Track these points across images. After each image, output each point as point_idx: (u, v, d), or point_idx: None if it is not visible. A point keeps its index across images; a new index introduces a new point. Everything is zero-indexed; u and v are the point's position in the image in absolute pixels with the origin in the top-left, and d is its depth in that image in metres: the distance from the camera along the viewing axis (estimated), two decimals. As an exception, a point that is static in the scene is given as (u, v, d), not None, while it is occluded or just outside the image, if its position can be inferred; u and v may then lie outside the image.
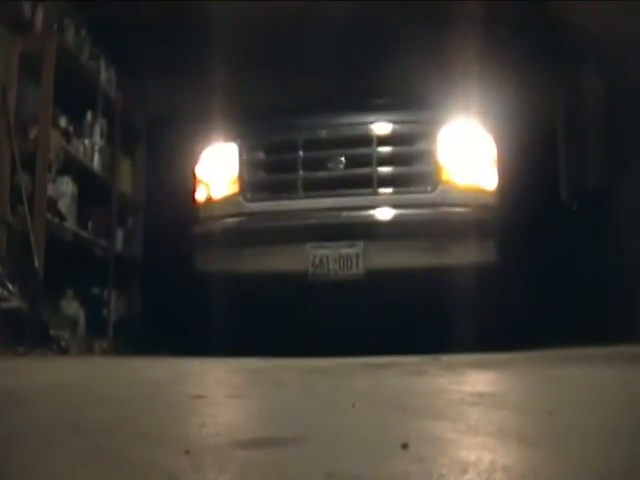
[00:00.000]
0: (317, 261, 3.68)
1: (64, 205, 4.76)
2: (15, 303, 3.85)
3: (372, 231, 3.70)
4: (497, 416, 1.33)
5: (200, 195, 4.13)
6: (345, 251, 3.67)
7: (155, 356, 3.32)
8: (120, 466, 0.97)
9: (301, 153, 3.91)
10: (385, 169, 3.83)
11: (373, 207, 3.75)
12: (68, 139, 4.90)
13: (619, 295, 5.05)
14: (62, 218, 4.70)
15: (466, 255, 3.67)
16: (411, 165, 3.87)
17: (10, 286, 3.89)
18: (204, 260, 4.00)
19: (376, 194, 3.79)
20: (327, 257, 3.68)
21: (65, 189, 4.81)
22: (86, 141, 5.25)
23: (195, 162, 4.19)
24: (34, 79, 4.50)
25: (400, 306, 3.90)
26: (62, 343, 4.06)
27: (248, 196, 3.95)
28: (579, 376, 1.94)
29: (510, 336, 3.84)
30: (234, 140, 4.08)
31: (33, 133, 4.46)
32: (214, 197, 4.06)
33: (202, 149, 4.17)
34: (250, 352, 3.47)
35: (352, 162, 3.86)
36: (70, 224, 4.85)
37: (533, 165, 5.31)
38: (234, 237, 3.87)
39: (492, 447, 1.07)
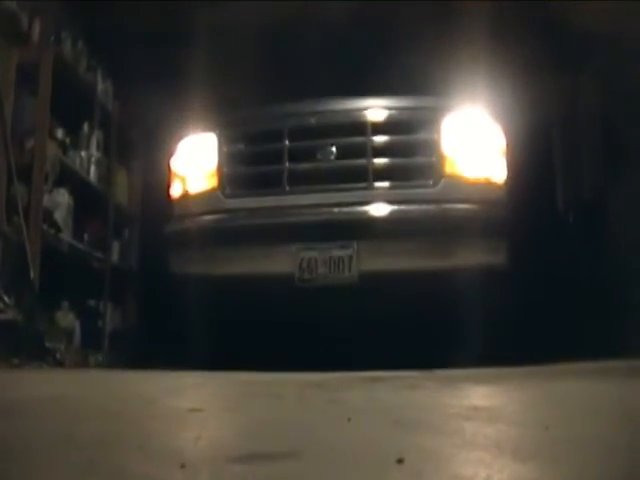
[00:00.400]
0: (305, 264, 3.32)
1: (60, 216, 4.75)
2: (10, 315, 3.84)
3: (367, 230, 3.31)
4: (493, 430, 1.33)
5: (175, 190, 3.77)
6: (336, 253, 3.31)
7: (150, 369, 3.31)
8: (115, 480, 0.97)
9: (287, 143, 3.52)
10: (381, 161, 3.44)
11: (368, 203, 3.36)
12: (65, 150, 4.90)
13: (617, 305, 5.05)
14: (58, 229, 4.69)
15: (472, 257, 3.31)
16: (411, 156, 3.48)
17: (5, 297, 3.88)
18: (178, 261, 3.64)
19: (371, 189, 3.41)
20: (316, 260, 3.31)
21: (61, 200, 4.81)
22: (83, 153, 5.25)
23: (170, 155, 3.84)
24: (31, 90, 4.50)
25: (398, 314, 3.53)
26: (57, 355, 4.05)
27: (227, 191, 3.57)
28: (575, 390, 1.94)
29: (520, 348, 3.54)
30: (213, 130, 3.70)
31: (30, 144, 4.46)
32: (190, 192, 3.69)
33: (178, 140, 3.81)
34: (230, 366, 3.18)
35: (344, 153, 3.47)
36: (66, 235, 4.84)
37: (544, 160, 4.98)
38: (211, 236, 3.48)
39: (488, 462, 1.06)
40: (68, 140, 4.98)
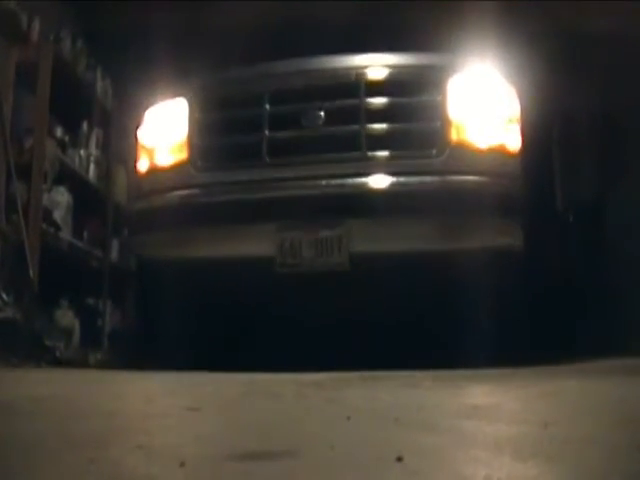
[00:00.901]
0: (287, 246, 2.87)
1: (59, 215, 4.75)
2: (9, 313, 3.84)
3: (360, 206, 2.85)
4: (492, 429, 1.33)
5: (142, 165, 3.31)
6: (324, 233, 2.85)
7: (149, 368, 3.31)
8: (114, 479, 0.97)
9: (267, 107, 3.06)
10: (377, 127, 2.99)
11: (361, 175, 2.89)
12: (64, 149, 4.90)
13: (617, 306, 5.04)
14: (57, 228, 4.69)
15: (483, 238, 2.87)
16: (411, 122, 3.00)
17: (4, 296, 3.88)
18: (144, 244, 3.22)
19: (365, 159, 2.94)
20: (300, 241, 2.86)
21: (60, 199, 4.81)
22: (82, 151, 5.25)
23: (137, 125, 3.38)
24: (30, 89, 4.50)
25: (396, 305, 3.14)
26: (57, 354, 4.05)
27: (199, 164, 3.11)
28: (575, 389, 1.94)
29: (537, 345, 3.27)
30: (184, 95, 3.22)
31: (29, 143, 4.46)
32: (158, 166, 3.22)
33: (145, 109, 3.36)
34: (207, 364, 2.87)
35: (334, 118, 3.01)
36: (65, 234, 4.84)
37: (564, 128, 4.52)
38: (179, 215, 3.02)
39: (487, 460, 1.06)
40: (67, 139, 4.98)
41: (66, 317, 4.92)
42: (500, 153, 2.99)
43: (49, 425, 1.42)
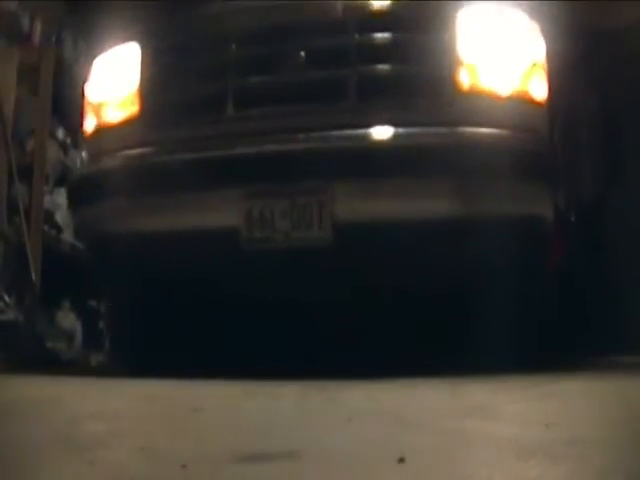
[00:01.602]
0: (255, 217, 2.31)
1: (61, 217, 4.75)
2: (11, 315, 3.84)
3: (347, 165, 2.29)
4: (493, 429, 1.33)
5: (88, 124, 2.79)
6: (302, 199, 2.29)
7: (150, 368, 3.31)
8: (115, 481, 0.97)
9: (234, 48, 2.51)
10: (371, 70, 2.45)
11: (349, 128, 2.34)
12: (65, 151, 4.90)
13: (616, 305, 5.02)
14: (59, 230, 4.70)
15: (500, 204, 2.34)
16: (413, 64, 2.44)
17: (6, 298, 3.89)
18: (86, 215, 2.70)
19: (355, 110, 2.40)
20: (272, 209, 2.30)
21: (62, 201, 4.80)
22: (84, 153, 5.25)
23: (84, 80, 2.88)
24: (32, 91, 4.51)
25: (391, 290, 2.60)
26: (58, 356, 4.05)
27: (152, 119, 2.58)
28: (576, 389, 1.94)
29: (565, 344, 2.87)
30: (136, 39, 2.69)
31: (30, 145, 4.46)
32: (105, 124, 2.70)
33: (92, 59, 2.86)
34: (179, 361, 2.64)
35: (317, 59, 2.45)
36: (67, 236, 4.84)
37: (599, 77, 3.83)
38: (127, 180, 2.52)
39: (488, 461, 1.06)
40: (69, 141, 4.98)
41: (68, 319, 4.92)
42: (522, 102, 2.43)
43: (50, 427, 1.42)
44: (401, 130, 2.34)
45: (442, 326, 2.69)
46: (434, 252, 2.43)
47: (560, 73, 2.66)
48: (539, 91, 2.49)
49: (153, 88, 2.63)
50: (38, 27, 4.59)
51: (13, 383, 2.53)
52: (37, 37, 4.57)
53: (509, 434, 1.28)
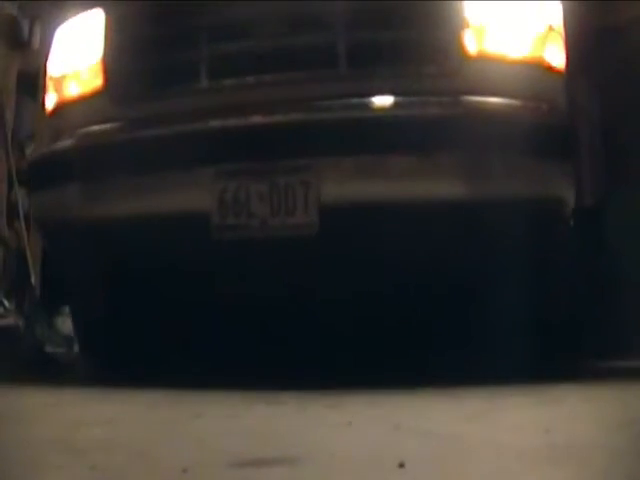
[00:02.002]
0: (229, 199, 2.02)
1: (61, 221, 4.75)
2: (11, 320, 3.84)
3: (335, 140, 2.00)
4: (493, 435, 1.33)
5: (49, 100, 2.51)
6: (283, 179, 1.99)
7: (150, 373, 3.30)
8: (115, 486, 0.97)
9: (207, 12, 2.25)
10: (362, 33, 2.18)
11: (338, 99, 2.08)
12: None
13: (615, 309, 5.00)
14: (59, 234, 4.69)
15: (514, 183, 2.04)
16: (413, 26, 2.16)
17: (6, 302, 3.89)
18: (44, 201, 2.40)
19: (344, 78, 2.14)
20: (247, 192, 2.01)
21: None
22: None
23: (46, 54, 2.60)
24: (32, 95, 4.51)
25: (387, 286, 2.26)
26: (58, 361, 4.05)
27: (117, 93, 2.30)
28: (575, 393, 1.94)
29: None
30: (100, 5, 2.39)
31: (30, 149, 4.46)
32: (66, 99, 2.43)
33: (55, 28, 2.56)
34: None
35: (302, 23, 2.21)
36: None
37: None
38: (89, 160, 2.23)
39: (488, 466, 1.06)
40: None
41: (67, 324, 4.91)
42: (536, 69, 2.15)
43: (50, 432, 1.43)
44: (399, 100, 2.07)
45: (445, 325, 2.40)
46: (437, 240, 2.10)
47: (579, 41, 2.34)
48: (555, 58, 2.19)
49: (118, 58, 2.34)
50: (38, 32, 4.59)
51: (13, 388, 2.53)
52: (37, 42, 4.58)
53: (509, 439, 1.28)
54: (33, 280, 4.13)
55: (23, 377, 3.24)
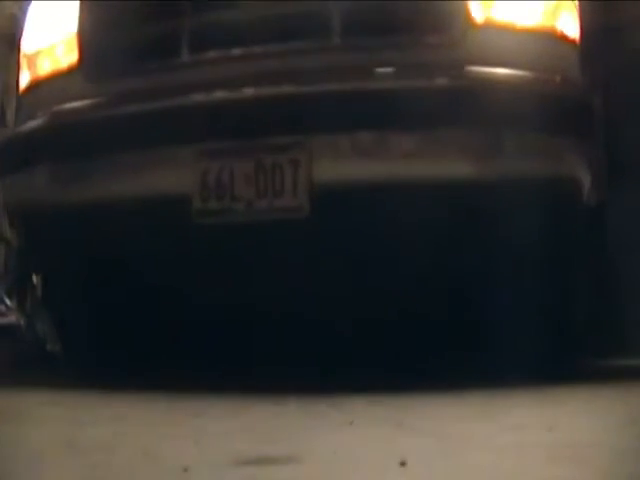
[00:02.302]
0: (211, 181, 1.86)
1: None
2: (12, 318, 3.84)
3: (328, 114, 1.86)
4: (496, 433, 1.33)
5: (23, 78, 2.37)
6: (270, 159, 1.83)
7: (151, 371, 3.31)
8: (117, 485, 0.97)
9: None
10: (358, 1, 2.00)
11: (330, 71, 1.92)
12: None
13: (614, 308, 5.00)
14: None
15: (524, 161, 1.89)
16: None
17: (7, 301, 3.89)
18: (14, 185, 2.22)
19: (338, 49, 1.98)
20: (231, 173, 1.85)
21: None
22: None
23: (20, 31, 2.47)
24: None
25: (388, 274, 2.04)
26: (59, 359, 4.05)
27: (92, 70, 2.14)
28: (578, 392, 1.93)
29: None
30: None
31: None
32: (40, 77, 2.28)
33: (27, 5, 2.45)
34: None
35: None
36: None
37: None
38: (62, 139, 2.07)
39: (491, 464, 1.06)
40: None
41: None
42: (548, 38, 1.98)
43: (53, 431, 1.43)
44: (398, 71, 1.90)
45: (447, 321, 2.24)
46: (441, 225, 1.90)
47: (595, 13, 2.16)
48: (569, 28, 2.02)
49: (94, 31, 2.17)
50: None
51: (13, 387, 2.53)
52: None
53: (512, 438, 1.28)
54: (34, 279, 4.13)
55: (24, 376, 3.25)
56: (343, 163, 1.88)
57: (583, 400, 1.80)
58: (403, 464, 1.02)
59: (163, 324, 2.35)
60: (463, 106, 1.84)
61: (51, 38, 2.29)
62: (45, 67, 2.29)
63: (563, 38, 2.01)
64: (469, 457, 1.12)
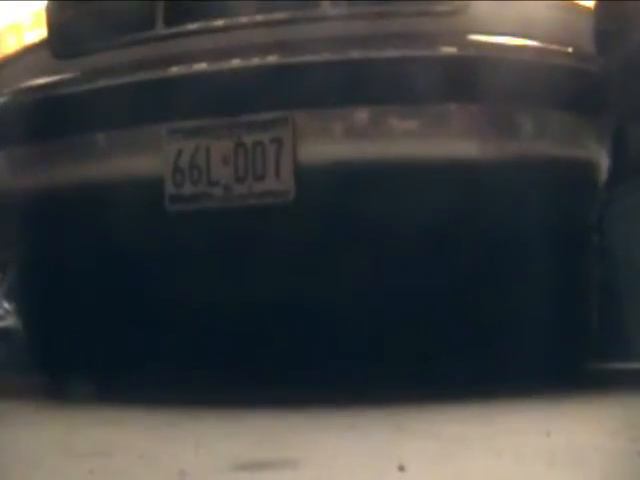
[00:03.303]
0: (185, 163, 1.69)
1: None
2: (10, 321, 3.84)
3: (314, 87, 1.65)
4: (494, 436, 1.33)
5: None
6: (250, 137, 1.66)
7: (147, 375, 3.31)
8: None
9: None
10: None
11: (317, 42, 1.75)
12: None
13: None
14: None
15: (533, 141, 1.74)
16: None
17: (5, 304, 3.88)
18: None
19: (328, 17, 1.76)
20: (207, 154, 1.68)
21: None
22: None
23: None
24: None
25: (382, 266, 1.86)
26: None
27: (61, 45, 1.98)
28: (575, 396, 1.93)
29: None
30: None
31: None
32: (7, 55, 2.13)
33: None
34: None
35: None
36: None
37: None
38: (27, 118, 1.92)
39: (489, 468, 1.06)
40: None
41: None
42: (561, 7, 1.81)
43: (49, 435, 1.42)
44: (393, 40, 1.71)
45: (449, 321, 2.11)
46: (442, 213, 1.67)
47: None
48: None
49: (63, 5, 2.01)
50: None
51: (12, 390, 2.53)
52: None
53: (510, 441, 1.27)
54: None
55: (21, 378, 3.24)
56: (332, 142, 1.72)
57: (582, 404, 1.80)
58: (402, 468, 1.02)
59: (138, 323, 2.22)
60: (466, 78, 1.68)
61: (19, 12, 2.13)
62: (11, 43, 2.13)
63: (577, 7, 1.85)
64: (468, 461, 1.12)
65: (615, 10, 1.90)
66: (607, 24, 1.84)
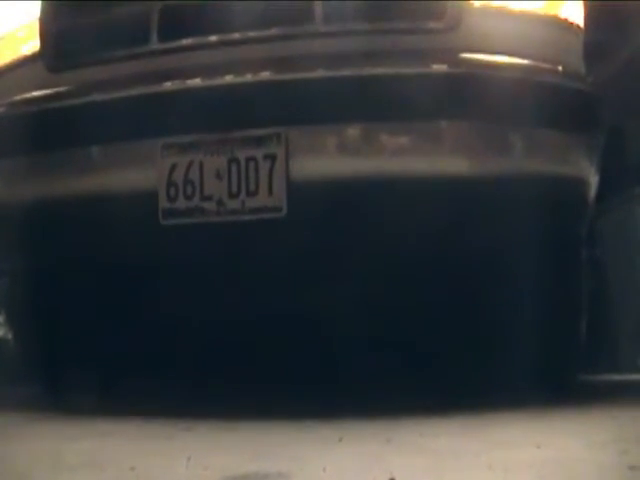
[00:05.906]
0: (179, 178, 1.71)
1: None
2: (1, 332, 3.82)
3: (308, 104, 1.68)
4: (484, 450, 1.33)
5: None
6: (243, 153, 1.68)
7: (140, 387, 3.29)
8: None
9: None
10: None
11: (311, 59, 1.77)
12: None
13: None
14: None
15: (523, 158, 1.75)
16: None
17: (-3, 315, 3.86)
18: None
19: (319, 35, 1.79)
20: (201, 167, 1.70)
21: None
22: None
23: None
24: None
25: (373, 283, 1.91)
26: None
27: (55, 59, 1.98)
28: (566, 409, 1.94)
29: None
30: None
31: None
32: (0, 68, 2.12)
33: None
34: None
35: None
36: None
37: None
38: (20, 132, 1.92)
39: (480, 481, 1.07)
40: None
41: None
42: (552, 26, 1.83)
43: (40, 447, 1.42)
44: (386, 58, 1.73)
45: (440, 334, 2.14)
46: (435, 229, 1.72)
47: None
48: (574, 15, 1.87)
49: (56, 18, 2.00)
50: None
51: (3, 401, 2.51)
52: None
53: (500, 455, 1.28)
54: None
55: (14, 389, 3.22)
56: (325, 158, 1.72)
57: (572, 417, 1.81)
58: (392, 481, 1.02)
59: (130, 335, 2.22)
60: (457, 95, 1.69)
61: (11, 25, 2.15)
62: (5, 56, 2.14)
63: (567, 26, 1.87)
64: (458, 474, 1.13)
65: (605, 24, 1.94)
66: (597, 37, 1.89)
